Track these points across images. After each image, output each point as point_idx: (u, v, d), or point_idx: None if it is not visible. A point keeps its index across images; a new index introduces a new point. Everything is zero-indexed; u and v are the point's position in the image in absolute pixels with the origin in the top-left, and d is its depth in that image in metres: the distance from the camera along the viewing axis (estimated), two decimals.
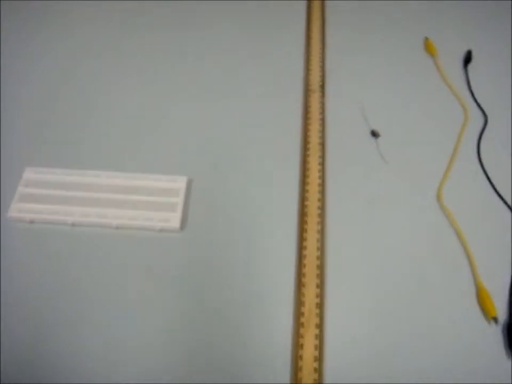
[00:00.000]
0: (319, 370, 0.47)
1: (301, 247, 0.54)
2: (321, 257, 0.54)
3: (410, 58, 0.75)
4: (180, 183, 0.59)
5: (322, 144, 0.63)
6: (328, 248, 0.55)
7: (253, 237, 0.56)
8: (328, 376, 0.47)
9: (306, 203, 0.57)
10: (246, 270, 0.54)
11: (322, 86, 0.69)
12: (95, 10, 0.81)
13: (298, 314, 0.50)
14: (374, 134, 0.64)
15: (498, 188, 0.61)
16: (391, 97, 0.70)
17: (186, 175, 0.60)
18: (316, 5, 0.81)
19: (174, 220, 0.56)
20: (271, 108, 0.67)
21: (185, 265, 0.54)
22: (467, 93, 0.71)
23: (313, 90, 0.68)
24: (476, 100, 0.70)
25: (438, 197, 0.60)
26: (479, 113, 0.69)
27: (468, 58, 0.75)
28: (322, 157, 0.61)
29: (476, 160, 0.64)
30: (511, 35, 0.79)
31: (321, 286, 0.52)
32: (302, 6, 0.82)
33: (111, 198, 0.58)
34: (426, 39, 0.77)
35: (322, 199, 0.58)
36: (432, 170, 0.62)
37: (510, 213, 0.59)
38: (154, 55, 0.75)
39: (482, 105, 0.69)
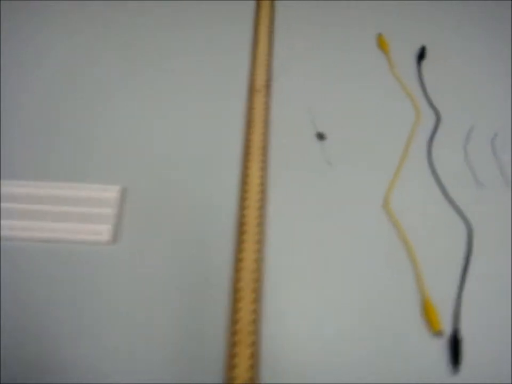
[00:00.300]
0: None
1: (237, 259, 0.51)
2: (259, 270, 0.51)
3: (362, 56, 0.72)
4: (113, 192, 0.56)
5: (265, 148, 0.59)
6: (267, 259, 0.52)
7: (189, 247, 0.53)
8: None
9: (244, 212, 0.54)
10: (180, 282, 0.50)
11: (268, 86, 0.66)
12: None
13: (231, 332, 0.47)
14: (320, 136, 0.61)
15: (449, 192, 0.58)
16: (340, 97, 0.67)
17: (120, 184, 0.56)
18: (265, 4, 0.77)
19: (105, 232, 0.53)
20: (213, 110, 0.64)
21: (117, 279, 0.51)
22: (420, 91, 0.68)
23: (258, 90, 0.64)
24: (428, 99, 0.67)
25: (385, 203, 0.57)
26: (432, 112, 0.66)
27: (421, 55, 0.72)
28: (264, 161, 0.58)
29: (427, 163, 0.61)
30: (466, 30, 0.77)
31: (257, 300, 0.49)
32: (251, 4, 0.79)
33: (39, 210, 0.54)
34: (379, 35, 0.74)
35: (262, 208, 0.55)
36: (381, 175, 0.59)
37: (461, 220, 0.56)
38: (80, 56, 0.71)
39: (435, 104, 0.67)
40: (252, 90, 0.64)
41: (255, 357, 0.45)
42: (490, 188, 0.59)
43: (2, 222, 0.53)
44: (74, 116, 0.63)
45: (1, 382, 0.44)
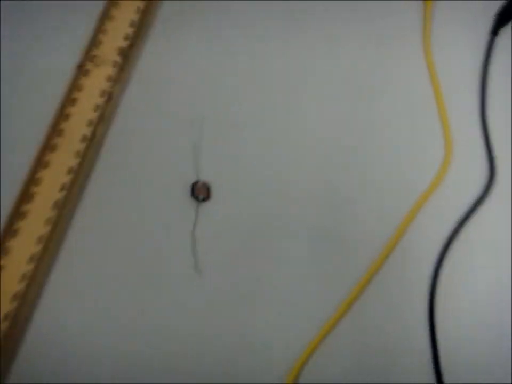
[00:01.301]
0: None
1: None
2: None
3: (382, 8, 0.34)
4: None
5: (60, 205, 0.27)
6: None
7: None
8: None
9: None
10: None
11: (125, 60, 0.31)
12: None
13: None
14: (197, 194, 0.27)
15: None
16: (285, 99, 0.31)
17: None
18: None
19: None
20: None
21: None
22: (474, 104, 0.31)
23: (100, 63, 0.30)
24: (484, 126, 0.30)
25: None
26: (481, 159, 0.29)
27: (504, 17, 0.33)
28: (52, 232, 0.26)
29: (426, 297, 0.26)
30: None
31: None
32: None
33: None
34: None
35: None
36: (299, 308, 0.26)
37: None
38: None
39: (496, 142, 0.30)
40: (83, 62, 0.30)
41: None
42: None
43: None
44: None
45: None
